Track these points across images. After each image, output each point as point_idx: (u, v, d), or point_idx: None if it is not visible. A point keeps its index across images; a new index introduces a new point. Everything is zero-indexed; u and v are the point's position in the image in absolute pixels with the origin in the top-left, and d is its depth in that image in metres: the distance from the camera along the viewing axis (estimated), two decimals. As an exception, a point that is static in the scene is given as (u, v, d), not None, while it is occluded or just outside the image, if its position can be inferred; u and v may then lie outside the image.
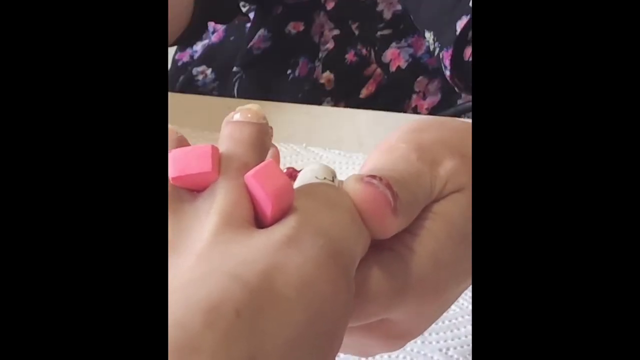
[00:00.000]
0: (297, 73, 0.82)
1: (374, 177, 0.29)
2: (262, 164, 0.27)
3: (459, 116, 0.66)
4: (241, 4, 0.85)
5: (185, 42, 0.80)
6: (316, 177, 0.31)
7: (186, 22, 0.75)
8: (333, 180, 0.31)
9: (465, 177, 0.31)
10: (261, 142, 0.30)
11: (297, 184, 0.31)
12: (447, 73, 0.64)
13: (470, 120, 0.33)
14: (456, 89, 0.67)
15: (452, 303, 0.34)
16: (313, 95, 0.79)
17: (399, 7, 0.77)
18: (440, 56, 0.64)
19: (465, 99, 0.75)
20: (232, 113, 0.30)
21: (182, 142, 0.30)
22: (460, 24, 0.62)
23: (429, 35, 0.67)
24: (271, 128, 0.33)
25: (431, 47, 0.67)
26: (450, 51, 0.63)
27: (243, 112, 0.30)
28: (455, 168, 0.31)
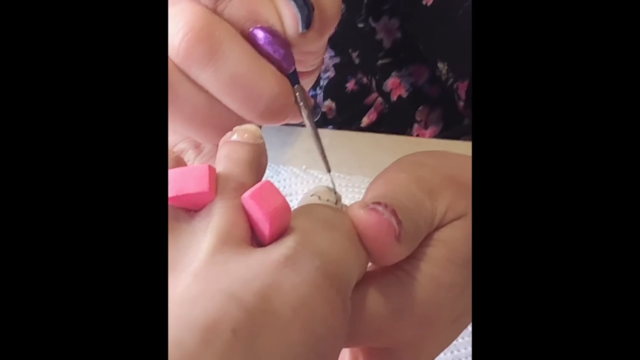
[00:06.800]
0: None
1: (379, 203, 0.29)
2: (259, 184, 0.27)
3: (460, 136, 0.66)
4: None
5: None
6: (319, 199, 0.31)
7: None
8: (336, 204, 0.31)
9: (464, 205, 0.31)
10: (258, 162, 0.30)
11: (298, 205, 0.31)
12: (461, 104, 0.64)
13: (465, 152, 0.33)
14: (467, 119, 0.67)
15: (451, 341, 0.33)
16: (315, 123, 0.79)
17: (398, 35, 0.77)
18: (455, 87, 0.64)
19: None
20: (229, 133, 0.30)
21: (180, 162, 0.30)
22: None
23: (442, 66, 0.67)
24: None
25: (443, 77, 0.67)
26: (466, 83, 0.63)
27: (240, 132, 0.30)
28: (454, 196, 0.31)
